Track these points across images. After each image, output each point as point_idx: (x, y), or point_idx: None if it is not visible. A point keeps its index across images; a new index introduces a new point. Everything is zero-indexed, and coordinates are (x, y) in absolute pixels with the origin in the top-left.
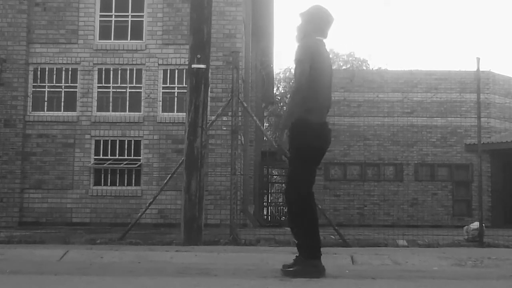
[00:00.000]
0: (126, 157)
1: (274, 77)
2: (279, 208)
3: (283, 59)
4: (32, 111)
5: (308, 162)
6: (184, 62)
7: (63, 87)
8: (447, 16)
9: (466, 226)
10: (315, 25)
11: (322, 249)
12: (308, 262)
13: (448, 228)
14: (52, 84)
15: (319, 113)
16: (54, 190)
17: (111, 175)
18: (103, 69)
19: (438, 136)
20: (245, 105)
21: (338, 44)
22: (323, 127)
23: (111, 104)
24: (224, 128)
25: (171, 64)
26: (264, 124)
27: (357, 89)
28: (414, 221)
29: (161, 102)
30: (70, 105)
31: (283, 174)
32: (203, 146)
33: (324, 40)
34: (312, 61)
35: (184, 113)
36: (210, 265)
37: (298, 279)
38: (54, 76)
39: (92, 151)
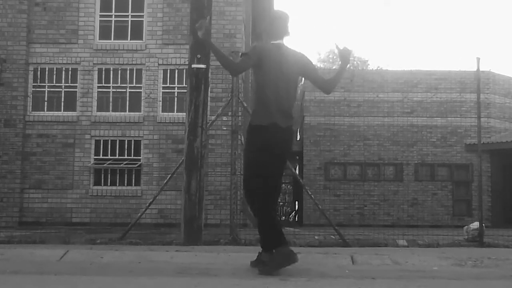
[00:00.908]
0: (126, 157)
1: None
2: (278, 208)
3: None
4: (32, 111)
5: (253, 163)
6: (184, 62)
7: (63, 87)
8: (447, 16)
9: (466, 226)
10: (268, 30)
11: (322, 249)
12: (277, 251)
13: (448, 228)
14: (52, 84)
15: (266, 115)
16: (54, 190)
17: (111, 175)
18: (103, 69)
19: (438, 136)
20: (245, 105)
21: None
22: (271, 129)
23: (111, 104)
24: (224, 128)
25: (171, 64)
26: None
27: (357, 89)
28: (414, 221)
29: (161, 102)
30: (70, 105)
31: (283, 174)
32: (203, 146)
33: (284, 40)
34: (258, 64)
35: (184, 113)
36: (210, 265)
37: (298, 279)
38: (54, 76)
39: (92, 151)
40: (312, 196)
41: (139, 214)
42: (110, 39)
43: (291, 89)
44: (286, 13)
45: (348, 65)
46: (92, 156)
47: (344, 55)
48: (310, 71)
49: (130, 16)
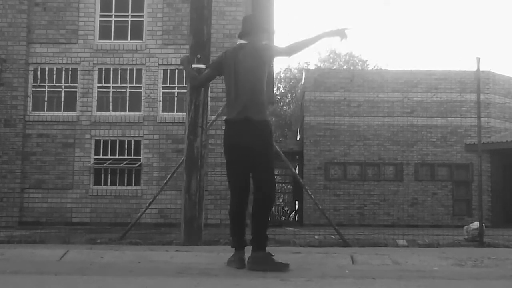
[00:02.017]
0: (126, 157)
1: (274, 77)
2: (279, 208)
3: (283, 59)
4: (32, 111)
5: (227, 159)
6: None
7: (63, 87)
8: (447, 16)
9: (466, 226)
10: (240, 32)
11: (322, 249)
12: (233, 254)
13: (448, 228)
14: (52, 84)
15: (230, 110)
16: (54, 190)
17: (111, 175)
18: (103, 69)
19: (438, 136)
20: None
21: (338, 44)
22: (235, 124)
23: (111, 104)
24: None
25: (171, 64)
26: None
27: (357, 89)
28: (414, 221)
29: (161, 102)
30: (70, 105)
31: (283, 174)
32: (203, 146)
33: (246, 40)
34: (220, 69)
35: (184, 113)
36: (210, 265)
37: (298, 279)
38: (54, 76)
39: (92, 151)
40: (312, 196)
41: (139, 214)
42: (110, 39)
43: (248, 82)
44: (246, 16)
45: (324, 39)
46: (92, 156)
47: (336, 32)
48: (270, 53)
49: (130, 16)
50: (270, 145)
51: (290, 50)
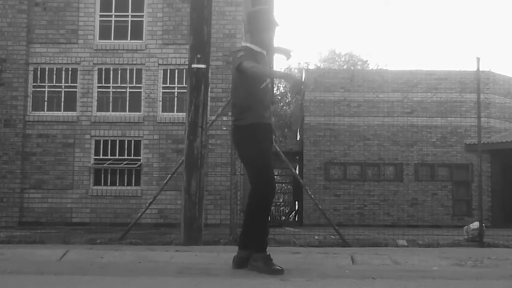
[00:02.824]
0: (126, 157)
1: None
2: (279, 208)
3: (283, 60)
4: (32, 111)
5: None
6: (184, 62)
7: (63, 87)
8: (447, 16)
9: (466, 226)
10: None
11: (322, 249)
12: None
13: (448, 228)
14: (52, 84)
15: None
16: (54, 190)
17: (111, 175)
18: (103, 69)
19: (438, 136)
20: None
21: (338, 44)
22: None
23: (111, 104)
24: (224, 128)
25: (171, 64)
26: None
27: (357, 89)
28: (414, 221)
29: (161, 102)
30: (70, 105)
31: (283, 174)
32: (203, 146)
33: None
34: None
35: (184, 113)
36: (210, 265)
37: (298, 279)
38: (54, 76)
39: (92, 151)
40: (312, 196)
41: (139, 214)
42: (110, 39)
43: (233, 87)
44: (250, 11)
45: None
46: (92, 156)
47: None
48: (235, 65)
49: (130, 16)
50: (249, 148)
51: (243, 69)
